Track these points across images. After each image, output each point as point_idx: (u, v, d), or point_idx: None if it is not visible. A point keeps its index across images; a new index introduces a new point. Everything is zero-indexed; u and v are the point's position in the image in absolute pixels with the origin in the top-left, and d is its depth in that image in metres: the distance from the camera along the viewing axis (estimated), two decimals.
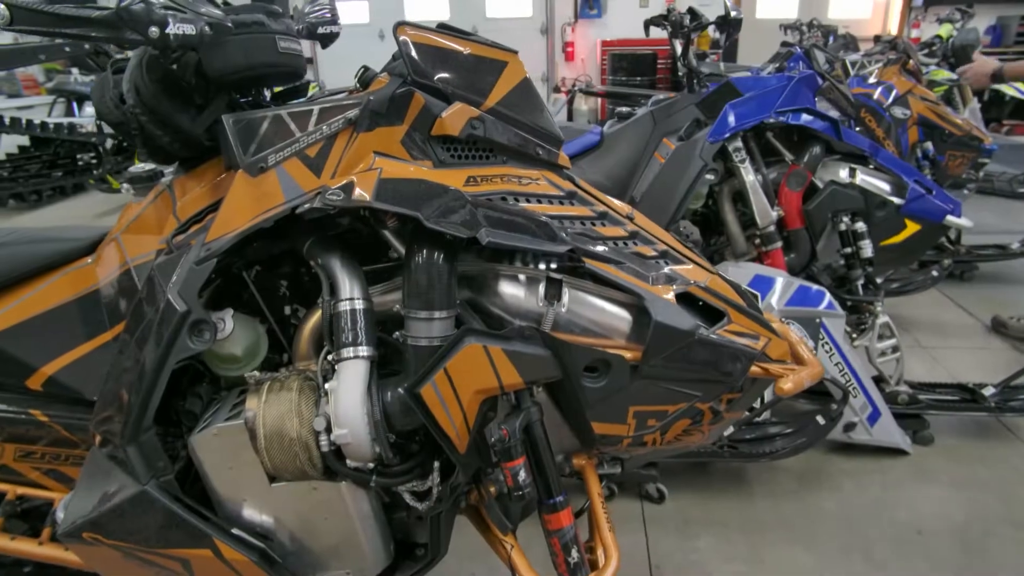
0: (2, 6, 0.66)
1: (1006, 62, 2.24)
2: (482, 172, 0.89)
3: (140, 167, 1.10)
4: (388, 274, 0.95)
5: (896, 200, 1.91)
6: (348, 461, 0.87)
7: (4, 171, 5.15)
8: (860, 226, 1.89)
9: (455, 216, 0.82)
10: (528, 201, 0.90)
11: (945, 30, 3.69)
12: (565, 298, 0.89)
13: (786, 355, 1.01)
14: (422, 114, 0.84)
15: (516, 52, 0.95)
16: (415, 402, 0.84)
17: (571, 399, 0.90)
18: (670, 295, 0.91)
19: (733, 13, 1.90)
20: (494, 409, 0.92)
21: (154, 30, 0.71)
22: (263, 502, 0.91)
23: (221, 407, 0.91)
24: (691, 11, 2.03)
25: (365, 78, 0.91)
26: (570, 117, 6.30)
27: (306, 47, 1.09)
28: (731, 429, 1.65)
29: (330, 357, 0.87)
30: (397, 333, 0.88)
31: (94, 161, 5.43)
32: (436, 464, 0.92)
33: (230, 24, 0.86)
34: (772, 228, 1.86)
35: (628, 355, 0.88)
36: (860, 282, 1.93)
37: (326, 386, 0.85)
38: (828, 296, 1.75)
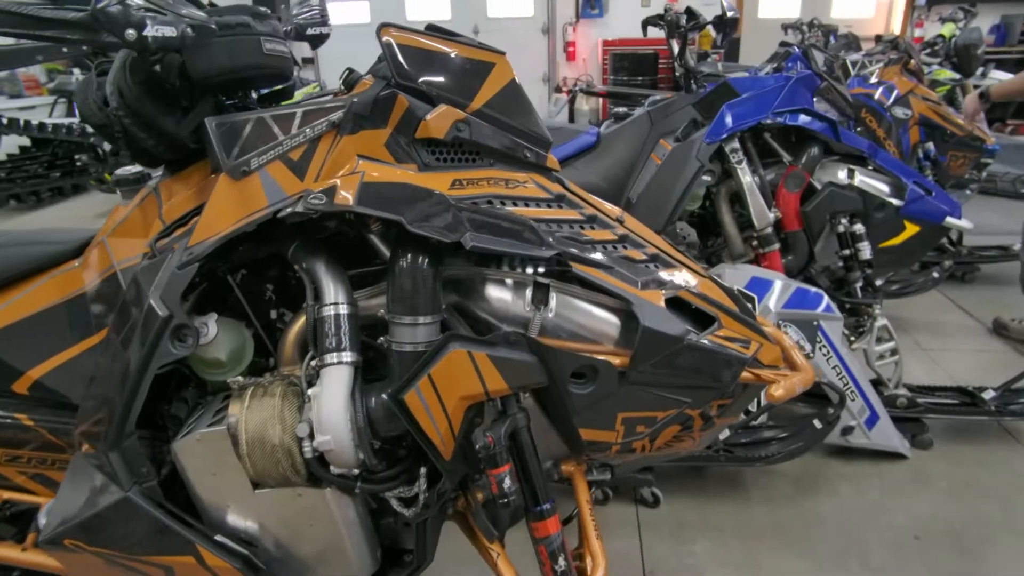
0: None
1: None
2: (468, 175, 0.88)
3: (127, 169, 1.10)
4: (374, 278, 0.94)
5: (895, 201, 1.89)
6: (332, 468, 0.86)
7: (2, 172, 5.16)
8: (858, 228, 1.87)
9: (439, 220, 0.81)
10: (515, 204, 0.89)
11: (948, 29, 3.66)
12: (552, 303, 0.88)
13: (778, 360, 1.00)
14: (406, 117, 0.83)
15: (503, 53, 0.94)
16: (399, 408, 0.83)
17: (558, 405, 0.89)
18: (660, 300, 0.90)
19: (730, 13, 1.89)
20: (480, 415, 0.91)
21: (131, 32, 0.71)
22: (247, 508, 0.90)
23: (205, 412, 0.91)
24: (688, 11, 2.01)
25: (349, 80, 0.90)
26: (571, 117, 6.28)
27: (306, 46, 1.08)
28: (727, 433, 1.64)
29: (314, 363, 0.86)
30: (382, 338, 0.88)
31: (93, 162, 5.44)
32: (423, 470, 0.91)
33: (214, 26, 0.85)
34: (769, 230, 1.84)
35: (616, 361, 0.87)
36: (859, 284, 1.91)
37: (309, 392, 0.84)
38: (826, 299, 1.73)
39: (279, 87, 1.04)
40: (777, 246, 1.86)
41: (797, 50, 1.96)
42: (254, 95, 1.07)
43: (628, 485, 1.66)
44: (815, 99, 1.93)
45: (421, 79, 0.84)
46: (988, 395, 1.84)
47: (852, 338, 1.88)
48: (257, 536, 0.92)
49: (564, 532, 0.95)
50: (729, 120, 1.81)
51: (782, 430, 1.66)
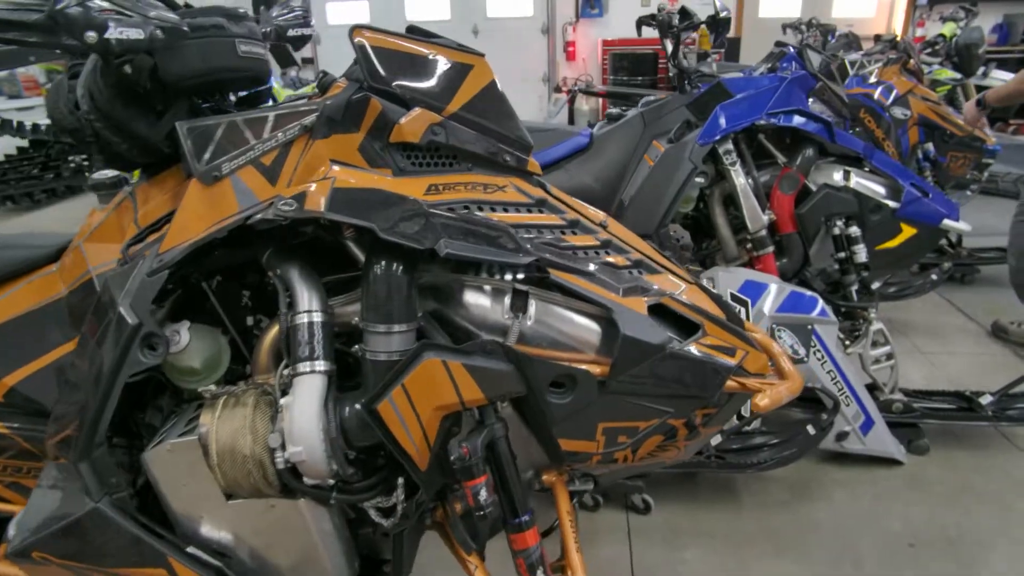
0: None
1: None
2: (445, 180, 0.86)
3: (104, 173, 1.08)
4: (353, 284, 0.93)
5: (891, 203, 1.86)
6: (306, 478, 0.84)
7: None
8: (854, 230, 1.84)
9: (412, 227, 0.79)
10: (493, 210, 0.87)
11: (948, 29, 3.62)
12: (531, 310, 0.86)
13: (765, 368, 0.98)
14: (379, 121, 0.82)
15: (483, 55, 0.92)
16: (372, 419, 0.81)
17: (537, 415, 0.87)
18: (642, 307, 0.88)
19: (723, 13, 1.86)
20: (458, 424, 0.89)
21: (91, 35, 0.69)
22: (220, 519, 0.88)
23: (177, 422, 0.89)
24: (683, 10, 1.99)
25: (323, 83, 0.89)
26: (571, 117, 6.26)
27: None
28: (719, 438, 1.62)
29: (287, 372, 0.84)
30: (357, 347, 0.86)
31: (86, 163, 5.43)
32: (400, 480, 0.89)
33: (186, 28, 0.83)
34: (763, 232, 1.82)
35: (597, 369, 0.85)
36: (854, 288, 1.88)
37: (281, 402, 0.82)
38: (821, 302, 1.71)
39: (258, 89, 1.02)
40: (771, 249, 1.83)
41: (792, 50, 1.94)
42: (232, 97, 1.05)
43: (619, 492, 1.64)
44: (810, 100, 1.91)
45: (395, 82, 0.82)
46: (985, 400, 1.82)
47: (847, 342, 1.85)
48: (231, 547, 0.90)
49: (547, 543, 0.93)
50: (722, 121, 1.79)
51: (775, 436, 1.64)
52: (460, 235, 0.81)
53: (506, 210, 0.88)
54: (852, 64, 2.91)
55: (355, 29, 0.83)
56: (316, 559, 0.91)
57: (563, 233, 0.91)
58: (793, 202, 1.84)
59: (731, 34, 6.48)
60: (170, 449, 0.84)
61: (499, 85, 0.91)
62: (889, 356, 1.83)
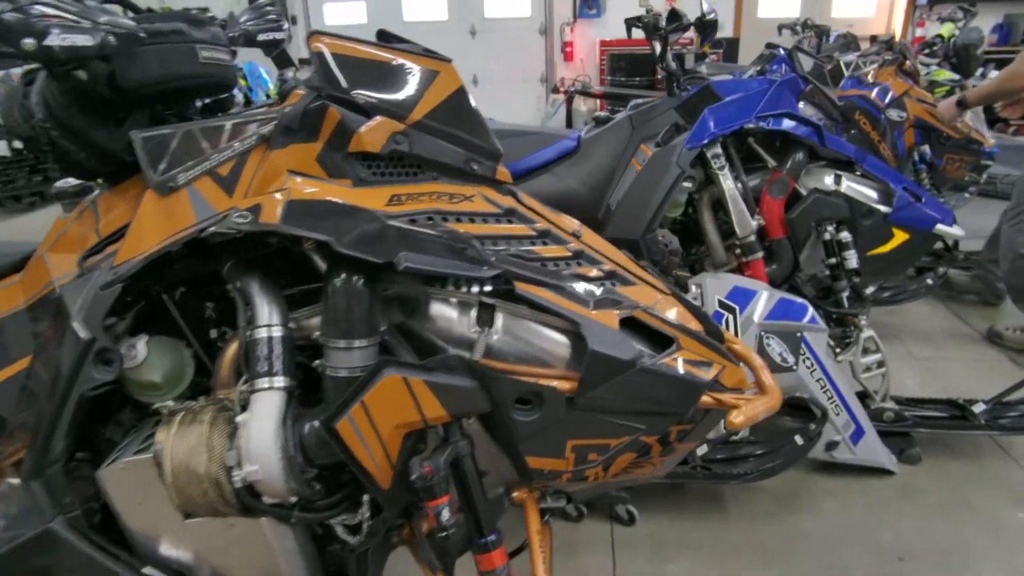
0: None
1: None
2: (408, 190, 0.83)
3: (68, 181, 1.06)
4: (318, 296, 0.90)
5: (883, 208, 1.83)
6: (265, 497, 0.82)
7: None
8: (845, 236, 1.81)
9: (371, 239, 0.76)
10: (459, 220, 0.84)
11: (947, 29, 3.59)
12: (498, 324, 0.83)
13: (743, 383, 0.95)
14: (338, 130, 0.79)
15: (450, 60, 0.90)
16: (331, 437, 0.79)
17: (503, 432, 0.85)
18: (613, 320, 0.85)
19: (710, 15, 1.83)
20: (424, 441, 0.87)
21: (29, 41, 0.67)
22: (179, 539, 0.86)
23: (135, 438, 0.87)
24: (673, 11, 1.96)
25: (283, 90, 0.86)
26: (569, 118, 6.23)
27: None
28: (705, 448, 1.59)
29: (245, 388, 0.82)
30: (317, 362, 0.83)
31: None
32: (365, 497, 0.87)
33: (143, 34, 0.81)
34: (752, 238, 1.79)
35: (565, 385, 0.83)
36: (845, 294, 1.85)
37: (238, 419, 0.80)
38: (810, 309, 1.68)
39: (223, 96, 1.00)
40: (760, 254, 1.80)
41: (782, 52, 1.91)
42: (199, 104, 1.03)
43: (603, 502, 1.61)
44: (801, 103, 1.88)
45: (354, 90, 0.80)
46: (978, 408, 1.78)
47: (838, 350, 1.82)
48: (191, 566, 0.88)
49: (522, 561, 0.90)
50: (711, 125, 1.76)
51: (762, 446, 1.61)
52: (421, 248, 0.78)
53: (473, 220, 0.85)
54: (847, 65, 2.87)
55: (312, 36, 0.80)
56: None
57: (533, 244, 0.88)
58: (783, 207, 1.81)
59: (730, 34, 6.45)
60: (124, 467, 0.81)
61: (464, 91, 0.89)
62: (880, 364, 1.80)
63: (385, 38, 0.96)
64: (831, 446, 1.70)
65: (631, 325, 0.87)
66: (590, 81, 6.40)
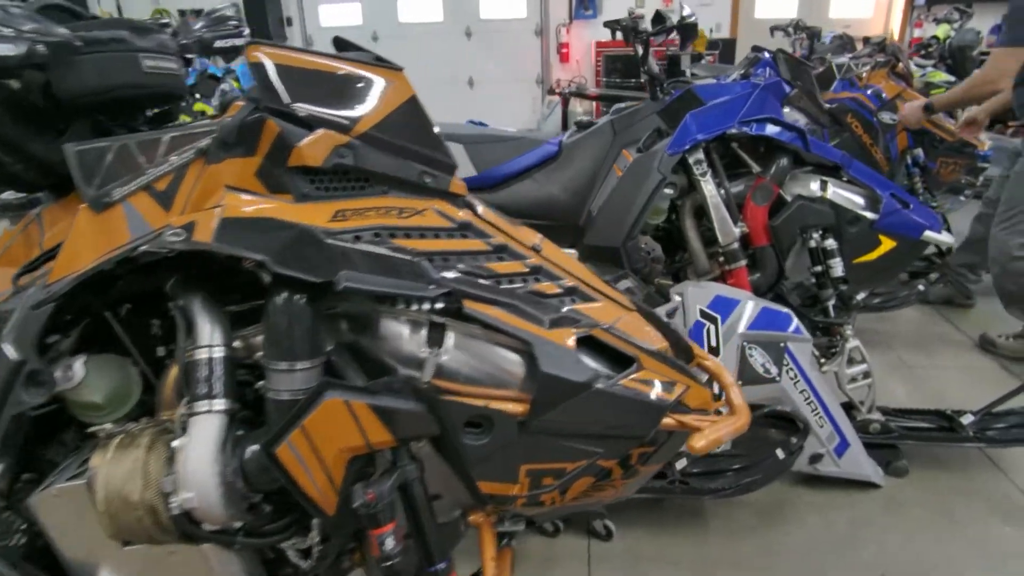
0: None
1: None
2: (354, 205, 0.80)
3: (13, 192, 1.03)
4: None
5: (869, 215, 1.79)
6: (205, 524, 0.79)
7: None
8: (830, 243, 1.78)
9: (310, 258, 0.73)
10: (408, 236, 0.81)
11: (943, 31, 3.55)
12: (449, 344, 0.80)
13: (708, 404, 0.92)
14: (277, 143, 0.76)
15: (401, 69, 0.87)
16: (271, 462, 0.75)
17: (454, 456, 0.81)
18: (570, 339, 0.82)
19: (690, 18, 1.80)
20: (373, 464, 0.84)
21: None
22: (117, 567, 0.83)
23: (72, 462, 0.84)
24: (657, 14, 1.93)
25: (224, 101, 0.83)
26: (565, 120, 6.18)
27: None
28: (684, 462, 1.56)
29: (183, 410, 0.79)
30: (260, 383, 0.80)
31: None
32: (316, 521, 0.84)
33: (79, 43, 0.78)
34: (735, 245, 1.75)
35: (517, 408, 0.79)
36: (831, 302, 1.81)
37: (174, 444, 0.77)
38: (794, 319, 1.64)
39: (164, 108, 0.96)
40: (744, 263, 1.77)
41: (767, 55, 1.87)
42: (149, 113, 1.00)
43: (580, 517, 1.58)
44: (786, 108, 1.84)
45: (294, 101, 0.77)
46: (967, 419, 1.74)
47: (823, 360, 1.78)
48: None
49: None
50: (692, 130, 1.73)
51: (742, 459, 1.57)
52: (364, 266, 0.75)
53: (423, 236, 0.82)
54: (839, 67, 2.83)
55: (249, 46, 0.77)
56: None
57: (488, 259, 0.85)
58: (767, 214, 1.77)
59: (726, 35, 6.40)
60: (56, 494, 0.78)
61: (420, 101, 0.86)
62: (866, 374, 1.76)
63: (341, 46, 0.93)
64: (815, 459, 1.67)
65: (590, 345, 0.84)
66: (586, 83, 6.36)
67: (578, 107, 6.33)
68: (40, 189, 0.92)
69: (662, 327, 1.02)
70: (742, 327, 1.62)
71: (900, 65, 2.89)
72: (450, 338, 0.81)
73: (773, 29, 3.48)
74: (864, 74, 2.84)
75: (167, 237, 0.73)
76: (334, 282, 0.72)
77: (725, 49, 5.84)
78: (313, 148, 0.76)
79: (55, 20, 0.80)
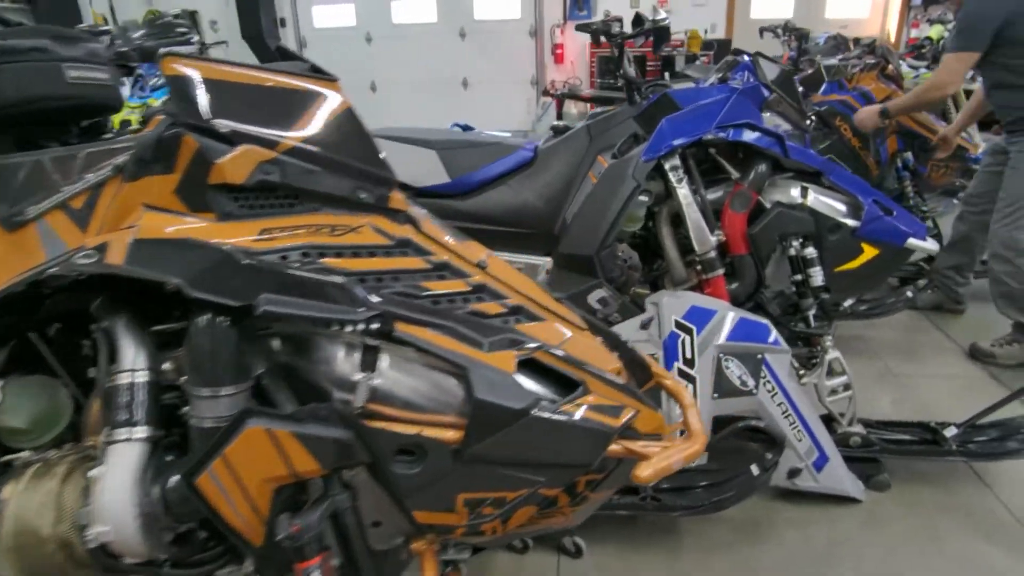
0: None
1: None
2: (283, 223, 0.77)
3: None
4: None
5: (851, 222, 1.75)
6: (126, 558, 0.75)
7: None
8: (810, 252, 1.74)
9: (228, 280, 0.70)
10: (341, 255, 0.77)
11: (936, 32, 3.50)
12: (383, 367, 0.77)
13: (661, 428, 0.88)
14: (196, 160, 0.72)
15: (336, 80, 0.83)
16: (192, 492, 0.72)
17: (388, 484, 0.78)
18: (511, 363, 0.78)
19: (663, 22, 1.75)
20: (305, 491, 0.80)
21: None
22: None
23: None
24: (637, 16, 1.88)
25: (146, 115, 0.80)
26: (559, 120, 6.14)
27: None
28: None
29: (102, 438, 0.75)
30: (184, 409, 0.77)
31: None
32: None
33: None
34: (713, 254, 1.71)
35: (454, 435, 0.76)
36: (812, 312, 1.77)
37: (90, 474, 0.73)
38: (773, 330, 1.60)
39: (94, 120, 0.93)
40: (721, 272, 1.73)
41: (746, 59, 1.83)
42: (86, 123, 0.97)
43: (549, 533, 1.54)
44: (766, 113, 1.80)
45: (216, 117, 0.73)
46: (950, 432, 1.70)
47: (803, 371, 1.74)
48: None
49: None
50: (668, 135, 1.69)
51: (716, 475, 1.53)
52: (287, 288, 0.71)
53: (357, 255, 0.79)
54: (828, 69, 2.79)
55: (164, 58, 0.73)
56: None
57: (427, 278, 0.82)
58: (745, 221, 1.73)
59: (722, 36, 6.35)
60: None
61: (352, 114, 0.82)
62: (847, 386, 1.71)
63: (284, 55, 0.90)
64: (793, 473, 1.62)
65: (533, 368, 0.80)
66: (580, 83, 6.31)
67: (573, 108, 6.29)
68: None
69: (618, 345, 0.99)
70: (718, 338, 1.58)
71: (890, 67, 2.84)
72: (384, 361, 0.77)
73: (763, 30, 3.44)
74: (854, 76, 2.79)
75: (77, 260, 0.69)
76: (253, 306, 0.69)
77: (720, 50, 5.79)
78: (235, 165, 0.73)
79: None
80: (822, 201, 1.76)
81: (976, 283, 2.70)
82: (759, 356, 1.59)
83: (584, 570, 1.50)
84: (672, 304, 1.62)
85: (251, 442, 0.71)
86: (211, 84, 0.74)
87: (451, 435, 0.76)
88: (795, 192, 1.77)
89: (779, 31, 3.27)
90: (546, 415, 0.76)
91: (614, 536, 1.57)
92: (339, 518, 0.78)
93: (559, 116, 6.11)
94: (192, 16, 6.75)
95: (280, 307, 0.69)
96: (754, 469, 1.51)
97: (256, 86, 0.77)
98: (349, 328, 0.76)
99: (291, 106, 0.78)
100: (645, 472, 0.79)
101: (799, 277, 1.76)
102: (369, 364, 0.77)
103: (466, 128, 2.73)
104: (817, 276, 1.74)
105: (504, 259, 1.90)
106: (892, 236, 1.76)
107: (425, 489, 0.77)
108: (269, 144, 0.75)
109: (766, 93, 1.75)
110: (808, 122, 2.51)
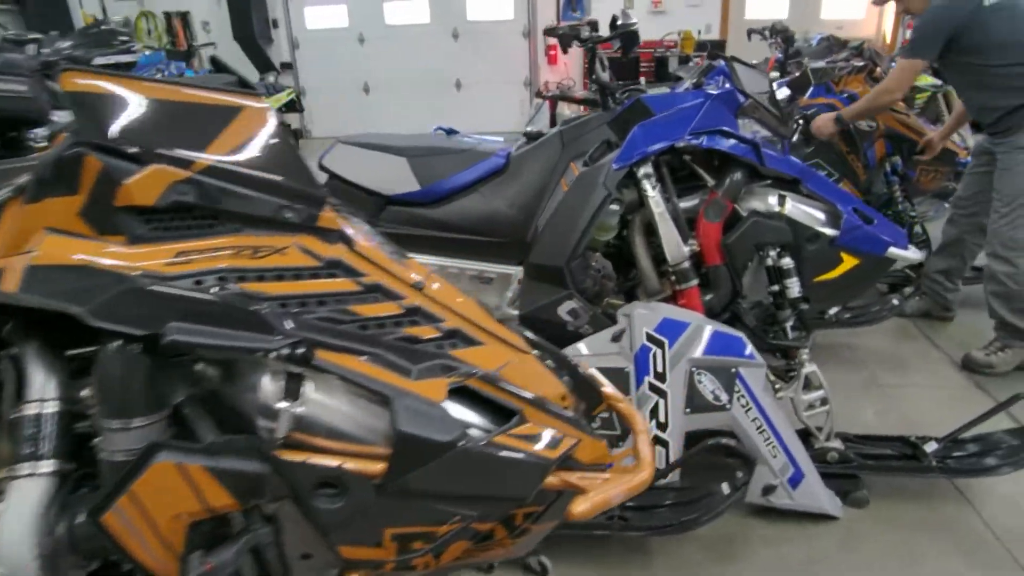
0: None
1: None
2: (200, 245, 0.73)
3: None
4: None
5: (830, 231, 1.71)
6: None
7: None
8: (786, 262, 1.69)
9: (133, 308, 0.66)
10: (262, 278, 0.74)
11: None
12: (307, 395, 0.73)
13: (603, 457, 0.84)
14: (101, 181, 0.69)
15: (261, 95, 0.79)
16: (99, 530, 0.69)
17: (310, 518, 0.74)
18: (441, 391, 0.75)
19: (632, 26, 1.71)
20: (227, 524, 0.76)
21: None
22: None
23: None
24: (614, 19, 1.85)
25: (53, 132, 0.76)
26: (553, 122, 6.10)
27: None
28: None
29: (3, 473, 0.72)
30: (95, 440, 0.73)
31: None
32: None
33: None
34: (686, 264, 1.67)
35: (378, 468, 0.72)
36: (790, 324, 1.73)
37: None
38: (747, 343, 1.57)
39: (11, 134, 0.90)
40: (695, 282, 1.69)
41: (721, 63, 1.79)
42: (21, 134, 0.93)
43: None
44: (742, 119, 1.76)
45: (120, 135, 0.69)
46: (931, 447, 1.66)
47: (779, 384, 1.70)
48: None
49: None
50: (640, 142, 1.65)
51: (687, 493, 1.49)
52: (197, 316, 0.68)
53: (281, 277, 0.75)
54: (816, 72, 2.74)
55: (63, 73, 0.70)
56: None
57: (356, 301, 0.78)
58: (720, 231, 1.69)
59: (716, 37, 6.31)
60: None
61: (278, 130, 0.78)
62: (824, 400, 1.67)
63: (217, 67, 0.87)
64: (768, 490, 1.58)
65: (466, 396, 0.76)
66: (574, 84, 6.26)
67: (567, 110, 6.24)
68: None
69: (567, 368, 0.95)
70: (691, 352, 1.55)
71: (878, 69, 2.79)
72: (308, 390, 0.73)
73: (751, 32, 3.40)
74: (841, 79, 2.75)
75: None
76: (161, 335, 0.65)
77: (714, 51, 5.74)
78: (143, 186, 0.69)
79: None
80: (800, 209, 1.72)
81: (965, 290, 2.65)
82: (733, 370, 1.56)
83: None
84: (644, 316, 1.58)
85: (159, 477, 0.68)
86: (117, 100, 0.71)
87: (377, 468, 0.72)
88: (772, 200, 1.73)
89: (766, 33, 3.23)
90: (475, 447, 0.73)
91: (582, 555, 1.53)
92: (260, 554, 0.74)
93: (552, 117, 6.06)
94: (184, 17, 6.73)
95: (188, 336, 0.66)
96: (724, 488, 1.47)
97: (168, 102, 0.73)
98: (268, 356, 0.73)
99: (208, 122, 0.75)
100: (580, 507, 0.75)
101: (776, 288, 1.72)
102: (292, 392, 0.73)
103: (450, 132, 2.69)
104: (794, 287, 1.69)
105: (476, 269, 1.88)
106: (872, 245, 1.71)
107: (349, 523, 0.73)
108: (182, 163, 0.71)
109: (742, 99, 1.71)
110: (795, 126, 2.48)
